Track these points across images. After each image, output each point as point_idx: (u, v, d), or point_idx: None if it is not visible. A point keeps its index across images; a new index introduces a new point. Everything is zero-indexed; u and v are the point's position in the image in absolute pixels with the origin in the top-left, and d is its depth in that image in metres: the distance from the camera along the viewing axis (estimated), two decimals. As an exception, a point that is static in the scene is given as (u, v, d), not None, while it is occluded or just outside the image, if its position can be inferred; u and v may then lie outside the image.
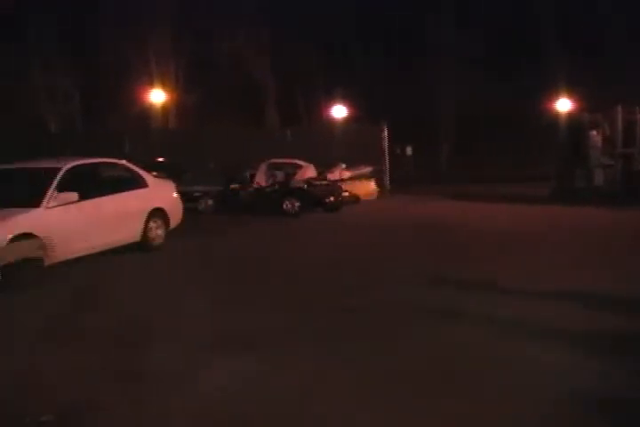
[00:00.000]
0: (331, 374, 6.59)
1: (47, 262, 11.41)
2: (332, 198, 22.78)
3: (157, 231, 14.31)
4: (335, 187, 23.90)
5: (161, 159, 28.39)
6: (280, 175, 26.43)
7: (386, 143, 30.67)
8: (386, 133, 30.53)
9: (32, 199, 11.80)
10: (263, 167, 26.90)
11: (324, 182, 23.57)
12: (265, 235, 17.37)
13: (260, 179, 26.54)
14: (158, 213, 14.38)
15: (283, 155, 27.25)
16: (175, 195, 15.49)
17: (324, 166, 26.89)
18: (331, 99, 46.98)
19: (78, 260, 12.21)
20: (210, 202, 23.36)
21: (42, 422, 5.66)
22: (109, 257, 12.98)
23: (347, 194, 24.25)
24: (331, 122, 43.65)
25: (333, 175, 26.77)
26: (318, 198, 22.24)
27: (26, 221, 11.37)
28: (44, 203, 11.72)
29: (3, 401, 6.17)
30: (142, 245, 13.90)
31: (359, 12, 47.19)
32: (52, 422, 5.66)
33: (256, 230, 18.20)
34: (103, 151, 20.67)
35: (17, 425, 5.70)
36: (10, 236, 10.83)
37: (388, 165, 30.42)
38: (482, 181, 31.92)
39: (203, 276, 11.63)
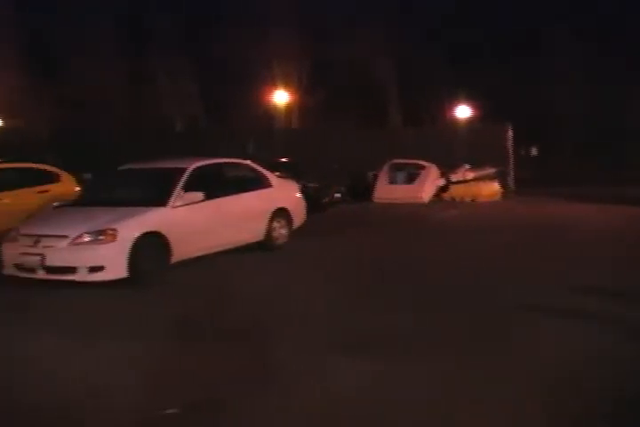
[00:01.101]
0: (458, 376, 6.45)
1: (174, 260, 11.56)
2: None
3: (281, 231, 14.33)
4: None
5: (284, 159, 28.54)
6: (402, 176, 26.38)
7: (510, 143, 30.06)
8: (510, 134, 29.95)
9: (158, 198, 11.99)
10: (386, 167, 26.86)
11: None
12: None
13: (383, 179, 26.52)
14: (282, 213, 14.39)
15: (405, 155, 27.13)
16: (299, 195, 15.51)
17: (447, 167, 26.66)
18: (454, 99, 46.50)
19: (202, 258, 12.33)
20: None
21: (166, 414, 5.81)
22: (234, 256, 13.05)
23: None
24: (454, 122, 43.20)
25: (457, 176, 26.51)
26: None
27: (152, 219, 11.57)
28: (171, 202, 11.89)
29: (132, 395, 6.27)
30: (265, 245, 13.94)
31: (480, 11, 46.58)
32: (176, 415, 5.79)
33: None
34: (227, 151, 20.91)
35: (143, 416, 5.83)
36: (137, 234, 11.04)
37: (512, 166, 29.81)
38: (608, 182, 30.90)
39: (326, 275, 11.56)
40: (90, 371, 7.02)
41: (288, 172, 22.06)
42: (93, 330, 8.60)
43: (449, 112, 47.07)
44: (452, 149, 28.63)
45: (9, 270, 11.40)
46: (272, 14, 42.97)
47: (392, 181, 26.59)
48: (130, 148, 30.12)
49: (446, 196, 26.37)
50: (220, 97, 44.46)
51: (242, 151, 26.34)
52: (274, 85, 44.75)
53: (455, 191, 26.31)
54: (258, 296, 10.16)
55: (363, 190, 26.52)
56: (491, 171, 27.40)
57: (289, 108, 45.26)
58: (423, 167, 26.63)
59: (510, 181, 29.28)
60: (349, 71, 44.65)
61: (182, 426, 5.73)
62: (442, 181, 26.59)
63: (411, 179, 26.48)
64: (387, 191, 26.05)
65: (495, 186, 27.06)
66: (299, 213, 15.08)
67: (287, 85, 44.67)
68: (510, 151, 30.03)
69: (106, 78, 44.27)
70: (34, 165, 15.99)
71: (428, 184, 26.16)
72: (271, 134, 36.28)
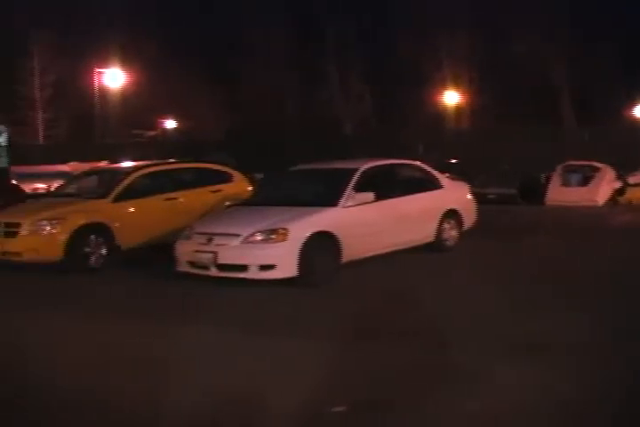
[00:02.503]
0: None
1: (344, 260, 11.57)
2: None
3: (451, 232, 14.13)
4: None
5: (453, 160, 28.30)
6: (576, 178, 25.66)
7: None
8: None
9: (330, 199, 12.02)
10: (559, 169, 26.18)
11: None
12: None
13: (557, 181, 25.88)
14: (452, 214, 14.18)
15: (580, 156, 26.40)
16: (469, 196, 15.26)
17: (624, 169, 25.74)
18: (632, 98, 44.87)
19: (372, 259, 12.26)
20: None
21: (334, 412, 5.85)
22: (403, 257, 12.94)
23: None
24: (632, 121, 41.68)
25: (635, 178, 25.55)
26: None
27: (323, 219, 11.61)
28: (342, 202, 11.90)
29: (302, 392, 6.30)
30: (435, 246, 13.77)
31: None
32: (343, 413, 5.83)
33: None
34: (396, 152, 20.85)
35: (311, 413, 5.88)
36: (308, 234, 11.10)
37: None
38: None
39: (497, 276, 11.33)
40: (261, 369, 7.08)
41: (458, 173, 21.82)
42: (264, 328, 8.69)
43: (627, 111, 45.45)
44: (631, 151, 27.58)
45: (182, 267, 11.70)
46: (443, 15, 42.69)
47: (565, 184, 25.88)
48: (300, 149, 30.55)
49: (623, 199, 25.38)
50: (390, 98, 44.49)
51: (411, 152, 26.20)
52: (444, 86, 44.43)
53: (633, 194, 25.28)
54: (428, 296, 10.05)
55: (535, 192, 25.92)
56: (671, 174, 26.24)
57: (459, 108, 44.85)
58: (598, 169, 25.79)
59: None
60: (520, 71, 43.81)
61: (349, 424, 5.73)
62: (618, 184, 25.64)
63: (585, 181, 25.69)
64: (560, 194, 25.36)
65: (674, 190, 25.83)
66: (469, 215, 14.82)
67: (457, 86, 44.27)
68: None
69: (277, 79, 45.09)
70: (208, 166, 16.36)
71: (604, 187, 25.29)
72: (441, 135, 36.07)
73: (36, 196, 23.42)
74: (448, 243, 14.08)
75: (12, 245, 13.04)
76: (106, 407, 6.16)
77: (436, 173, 14.64)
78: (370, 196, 12.17)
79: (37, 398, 6.43)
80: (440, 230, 13.84)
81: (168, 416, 5.93)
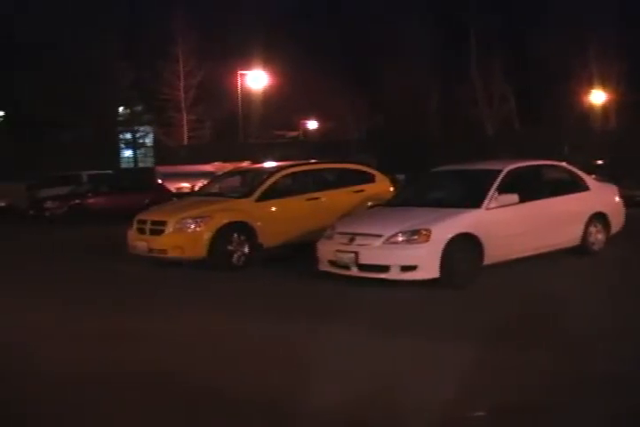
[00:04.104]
0: None
1: (486, 262, 11.39)
2: None
3: (597, 236, 13.70)
4: None
5: (600, 161, 27.54)
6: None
7: None
8: None
9: (472, 200, 11.85)
10: None
11: None
12: None
13: None
14: (599, 218, 13.75)
15: None
16: (618, 199, 14.76)
17: None
18: None
19: (515, 261, 12.02)
20: None
21: (471, 417, 5.79)
22: (547, 260, 12.62)
23: None
24: None
25: None
26: None
27: (466, 221, 11.46)
28: (485, 204, 11.70)
29: (441, 395, 6.20)
30: (581, 250, 13.39)
31: None
32: (481, 418, 5.76)
33: None
34: (540, 153, 20.44)
35: (447, 418, 5.79)
36: (450, 235, 10.98)
37: None
38: None
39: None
40: (400, 370, 7.05)
41: (605, 174, 21.19)
42: (404, 329, 8.65)
43: None
44: None
45: (323, 266, 11.79)
46: (592, 13, 41.66)
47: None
48: (442, 149, 30.36)
49: None
50: (533, 98, 43.69)
51: (556, 153, 25.65)
52: (590, 85, 43.33)
53: None
54: (572, 299, 9.87)
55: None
56: None
57: (606, 107, 43.65)
58: None
59: None
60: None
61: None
62: None
63: None
64: None
65: None
66: (617, 218, 14.33)
67: (604, 85, 43.09)
68: None
69: (419, 80, 44.94)
70: (350, 166, 16.43)
71: None
72: (587, 136, 35.18)
73: (180, 195, 24.08)
74: (594, 247, 13.67)
75: (158, 243, 13.41)
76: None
77: (582, 174, 14.24)
78: (514, 197, 11.93)
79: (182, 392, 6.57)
80: (586, 234, 13.44)
81: (307, 416, 5.94)
